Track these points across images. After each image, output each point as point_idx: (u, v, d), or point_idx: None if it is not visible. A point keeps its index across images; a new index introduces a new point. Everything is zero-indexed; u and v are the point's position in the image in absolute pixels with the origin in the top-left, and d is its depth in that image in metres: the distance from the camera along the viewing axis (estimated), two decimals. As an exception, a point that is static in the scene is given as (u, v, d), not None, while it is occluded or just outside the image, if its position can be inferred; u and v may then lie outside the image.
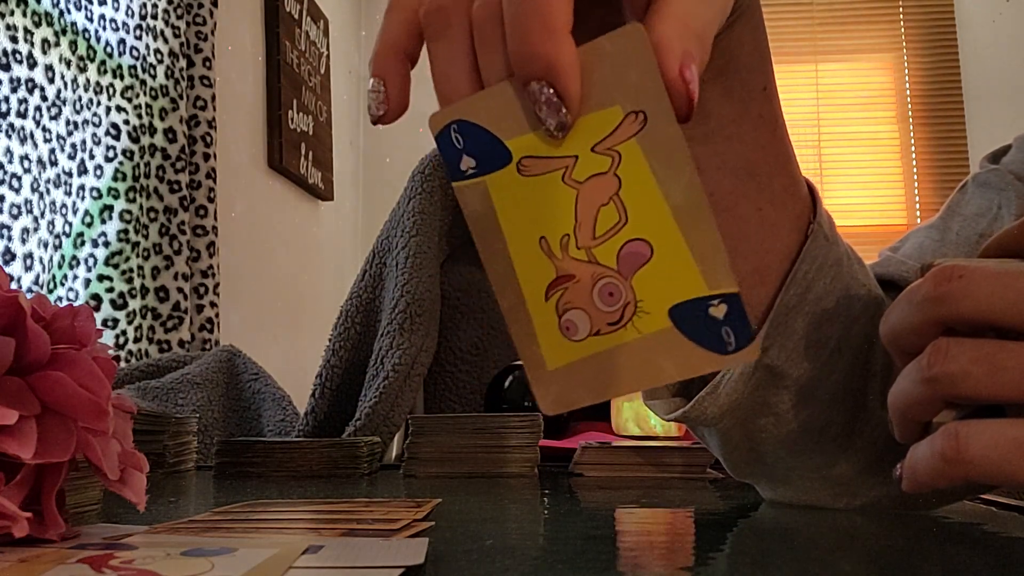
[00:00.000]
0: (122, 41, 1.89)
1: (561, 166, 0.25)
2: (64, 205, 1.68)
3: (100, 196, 1.81)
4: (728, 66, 0.35)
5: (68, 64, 1.69)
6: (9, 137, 1.49)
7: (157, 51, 1.99)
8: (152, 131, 1.96)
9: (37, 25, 1.59)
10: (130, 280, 1.83)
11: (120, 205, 1.84)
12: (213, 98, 2.13)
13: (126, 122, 1.87)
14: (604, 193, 0.25)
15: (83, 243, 1.77)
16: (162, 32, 2.01)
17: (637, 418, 0.87)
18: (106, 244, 1.81)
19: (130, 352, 1.80)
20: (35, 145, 1.56)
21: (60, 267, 1.69)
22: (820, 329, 0.41)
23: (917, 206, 3.46)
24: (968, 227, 0.48)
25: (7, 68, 1.50)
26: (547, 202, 0.25)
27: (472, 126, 0.26)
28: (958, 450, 0.27)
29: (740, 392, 0.41)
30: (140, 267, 1.87)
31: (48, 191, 1.61)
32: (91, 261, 1.78)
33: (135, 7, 1.94)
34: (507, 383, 1.02)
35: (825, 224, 0.41)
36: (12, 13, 1.51)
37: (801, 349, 0.40)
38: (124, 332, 1.81)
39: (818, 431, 0.42)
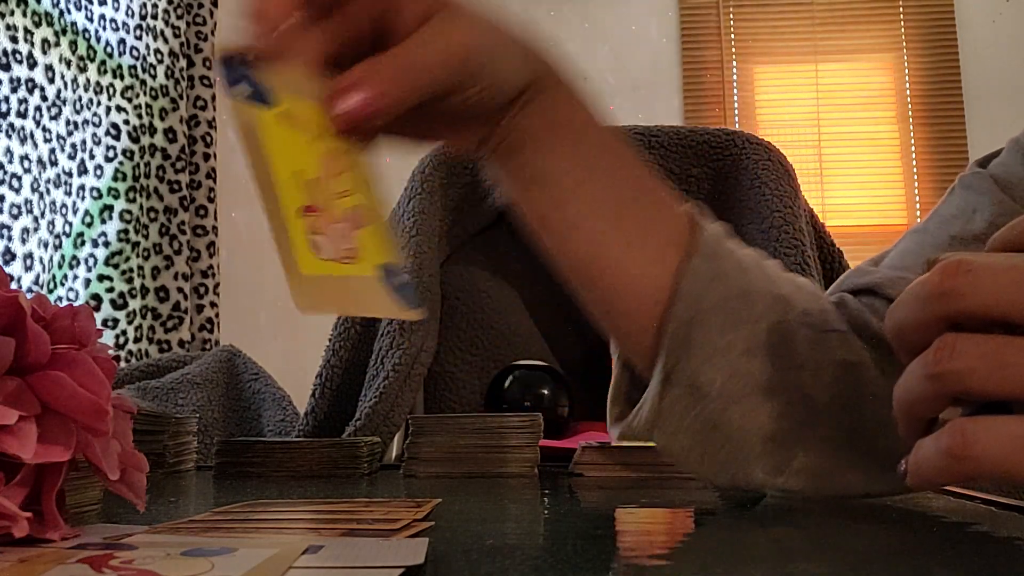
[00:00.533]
0: (122, 41, 1.90)
1: (312, 132, 0.32)
2: (64, 205, 1.68)
3: (100, 196, 1.81)
4: (553, 136, 0.42)
5: (68, 64, 1.69)
6: (9, 137, 1.49)
7: (157, 51, 1.99)
8: (152, 131, 1.96)
9: (37, 25, 1.59)
10: (130, 280, 1.83)
11: (120, 205, 1.84)
12: (213, 98, 2.13)
13: (126, 122, 1.87)
14: (340, 165, 0.33)
15: (83, 243, 1.77)
16: (162, 32, 2.01)
17: (637, 418, 0.87)
18: (106, 244, 1.81)
19: (130, 352, 1.80)
20: (35, 145, 1.56)
21: (60, 267, 1.69)
22: (723, 336, 0.43)
23: (917, 206, 3.46)
24: (943, 228, 0.48)
25: (7, 68, 1.50)
26: (300, 149, 0.31)
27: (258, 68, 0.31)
28: (964, 447, 0.27)
29: (657, 406, 0.44)
30: (140, 267, 1.87)
31: (48, 191, 1.61)
32: (91, 261, 1.78)
33: (135, 7, 1.94)
34: (507, 383, 1.02)
35: (710, 239, 0.44)
36: (12, 13, 1.51)
37: (708, 358, 0.43)
38: (124, 332, 1.81)
39: (759, 430, 0.43)
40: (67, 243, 1.72)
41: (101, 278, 1.79)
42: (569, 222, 0.43)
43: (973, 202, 0.48)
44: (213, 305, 2.06)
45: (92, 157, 1.79)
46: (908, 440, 0.31)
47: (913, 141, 3.52)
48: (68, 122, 1.69)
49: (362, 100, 0.32)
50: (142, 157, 1.92)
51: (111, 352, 0.33)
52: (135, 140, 1.90)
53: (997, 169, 0.49)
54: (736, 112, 3.56)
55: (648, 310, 0.44)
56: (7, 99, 1.49)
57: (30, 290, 1.53)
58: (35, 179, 1.55)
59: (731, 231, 0.47)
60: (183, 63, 2.07)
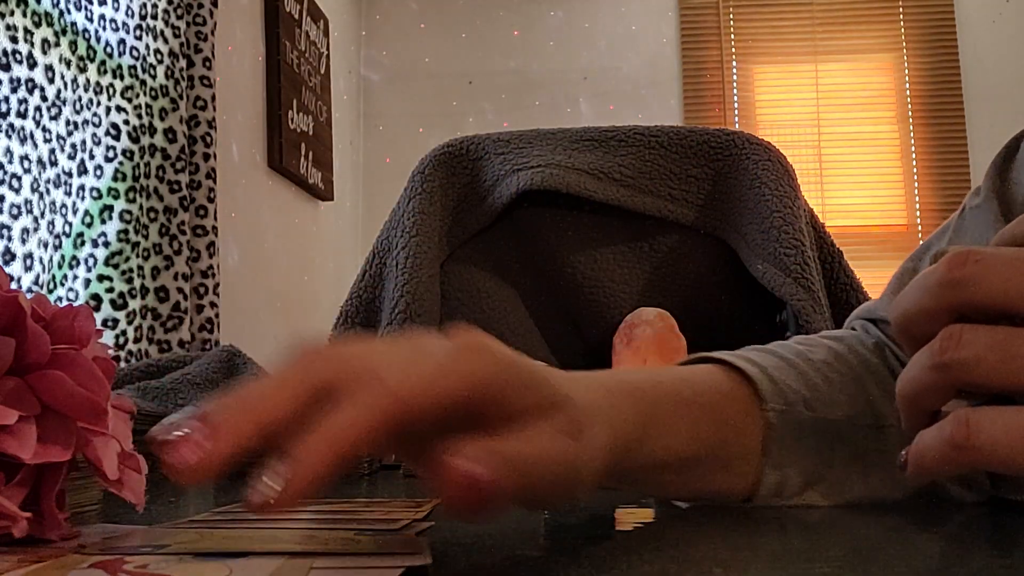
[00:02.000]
0: (122, 41, 1.90)
1: None
2: (64, 205, 1.68)
3: (100, 196, 1.81)
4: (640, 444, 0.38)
5: (68, 64, 1.69)
6: (9, 137, 1.49)
7: (157, 51, 1.99)
8: (152, 131, 1.96)
9: (37, 25, 1.59)
10: (130, 280, 1.83)
11: (120, 205, 1.84)
12: (213, 98, 2.13)
13: (126, 122, 1.87)
14: None
15: (83, 243, 1.77)
16: (162, 32, 2.01)
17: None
18: (106, 244, 1.81)
19: (130, 352, 1.80)
20: (35, 145, 1.56)
21: (60, 267, 1.69)
22: (806, 481, 0.43)
23: (917, 206, 3.46)
24: None
25: (7, 68, 1.50)
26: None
27: None
28: (967, 436, 0.27)
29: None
30: (140, 267, 1.87)
31: (48, 191, 1.61)
32: (91, 261, 1.78)
33: (135, 7, 1.94)
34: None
35: (771, 398, 0.42)
36: (12, 13, 1.51)
37: (796, 494, 0.43)
38: (124, 332, 1.81)
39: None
40: (67, 243, 1.72)
41: (101, 278, 1.79)
42: (666, 491, 0.42)
43: (984, 233, 0.47)
44: (213, 305, 2.06)
45: (92, 157, 1.79)
46: (911, 431, 0.31)
47: (913, 141, 3.52)
48: (68, 122, 1.69)
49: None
50: (142, 157, 1.92)
51: (111, 352, 0.33)
52: (135, 140, 1.90)
53: (1018, 182, 0.47)
54: (736, 112, 3.57)
55: (744, 484, 0.43)
56: (7, 99, 1.49)
57: (30, 290, 1.53)
58: (35, 179, 1.55)
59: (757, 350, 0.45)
60: (183, 63, 2.07)
